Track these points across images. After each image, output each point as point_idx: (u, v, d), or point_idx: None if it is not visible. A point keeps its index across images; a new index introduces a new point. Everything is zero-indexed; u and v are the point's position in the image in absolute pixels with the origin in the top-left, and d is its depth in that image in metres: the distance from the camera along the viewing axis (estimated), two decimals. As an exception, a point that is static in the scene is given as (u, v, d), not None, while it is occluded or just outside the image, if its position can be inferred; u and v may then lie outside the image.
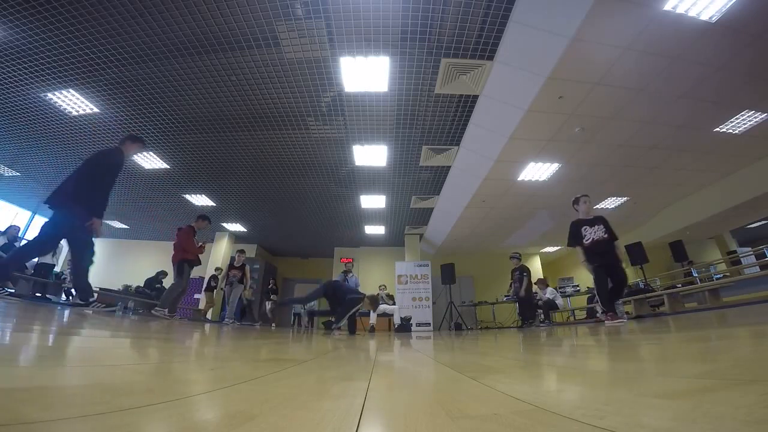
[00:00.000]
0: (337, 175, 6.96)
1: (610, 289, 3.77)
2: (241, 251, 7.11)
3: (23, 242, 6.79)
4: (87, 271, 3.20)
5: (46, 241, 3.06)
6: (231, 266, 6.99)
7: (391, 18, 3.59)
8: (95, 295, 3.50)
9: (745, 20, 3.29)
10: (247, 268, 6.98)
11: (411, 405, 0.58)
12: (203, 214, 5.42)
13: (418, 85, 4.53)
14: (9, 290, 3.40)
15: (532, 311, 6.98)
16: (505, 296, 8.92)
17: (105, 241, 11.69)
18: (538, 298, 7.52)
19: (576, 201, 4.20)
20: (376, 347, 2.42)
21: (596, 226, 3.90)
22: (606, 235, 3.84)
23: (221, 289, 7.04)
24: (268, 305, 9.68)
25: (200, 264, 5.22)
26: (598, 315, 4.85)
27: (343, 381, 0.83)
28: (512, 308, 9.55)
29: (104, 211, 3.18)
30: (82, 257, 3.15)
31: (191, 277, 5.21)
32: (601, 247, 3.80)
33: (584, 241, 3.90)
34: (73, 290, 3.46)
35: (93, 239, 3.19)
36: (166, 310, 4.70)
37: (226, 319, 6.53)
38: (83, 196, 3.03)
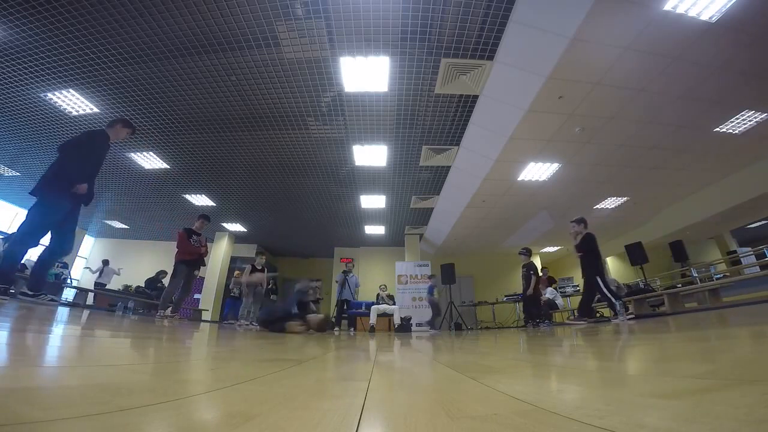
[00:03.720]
0: (337, 175, 6.95)
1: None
2: (261, 253, 7.07)
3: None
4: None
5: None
6: (254, 268, 6.83)
7: (391, 18, 3.59)
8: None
9: (745, 20, 3.29)
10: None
11: (411, 405, 0.58)
12: (201, 214, 5.45)
13: (418, 85, 4.53)
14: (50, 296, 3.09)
15: (538, 310, 6.75)
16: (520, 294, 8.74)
17: (105, 241, 11.71)
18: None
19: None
20: (376, 347, 2.42)
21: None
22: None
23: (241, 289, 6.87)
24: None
25: (204, 264, 5.26)
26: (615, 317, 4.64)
27: (343, 381, 0.83)
28: (512, 308, 9.52)
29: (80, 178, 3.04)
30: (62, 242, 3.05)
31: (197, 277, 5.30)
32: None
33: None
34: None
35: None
36: (169, 309, 4.74)
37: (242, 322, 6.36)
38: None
